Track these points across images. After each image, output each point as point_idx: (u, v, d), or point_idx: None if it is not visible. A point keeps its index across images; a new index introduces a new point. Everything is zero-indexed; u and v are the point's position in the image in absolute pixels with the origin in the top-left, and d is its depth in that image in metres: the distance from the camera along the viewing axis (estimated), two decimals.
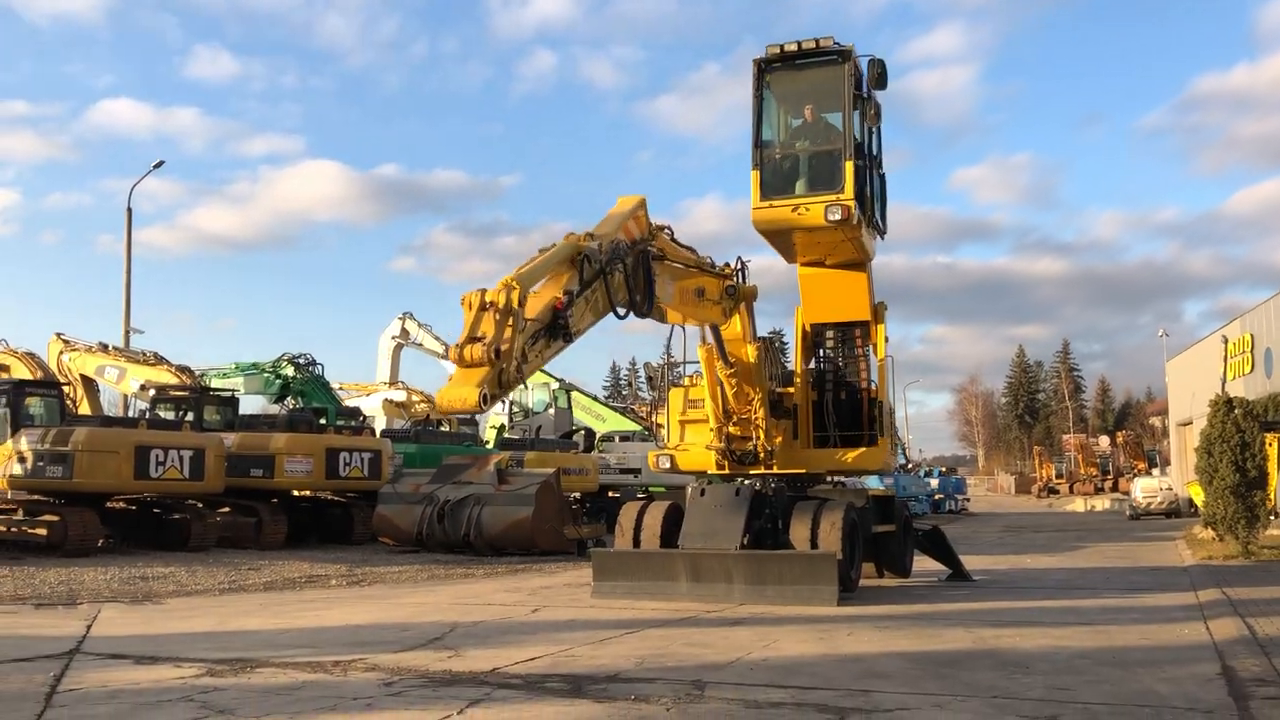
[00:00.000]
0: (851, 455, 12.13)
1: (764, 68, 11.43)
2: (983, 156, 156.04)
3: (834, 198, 10.91)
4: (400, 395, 30.45)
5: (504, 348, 7.85)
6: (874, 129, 11.69)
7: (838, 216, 10.80)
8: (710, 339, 11.63)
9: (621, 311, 9.60)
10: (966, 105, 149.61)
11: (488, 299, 7.95)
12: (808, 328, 12.95)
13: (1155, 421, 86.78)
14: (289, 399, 25.32)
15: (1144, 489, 38.70)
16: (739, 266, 11.78)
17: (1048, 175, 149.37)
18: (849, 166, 10.94)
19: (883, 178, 12.43)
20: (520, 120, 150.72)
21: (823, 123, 11.52)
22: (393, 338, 32.84)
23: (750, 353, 11.82)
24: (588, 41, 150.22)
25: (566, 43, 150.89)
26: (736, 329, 11.86)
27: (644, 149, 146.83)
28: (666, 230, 10.97)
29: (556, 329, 8.64)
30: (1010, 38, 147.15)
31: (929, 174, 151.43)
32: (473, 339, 7.91)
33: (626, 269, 9.62)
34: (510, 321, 7.94)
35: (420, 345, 32.85)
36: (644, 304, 9.85)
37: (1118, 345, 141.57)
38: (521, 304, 8.04)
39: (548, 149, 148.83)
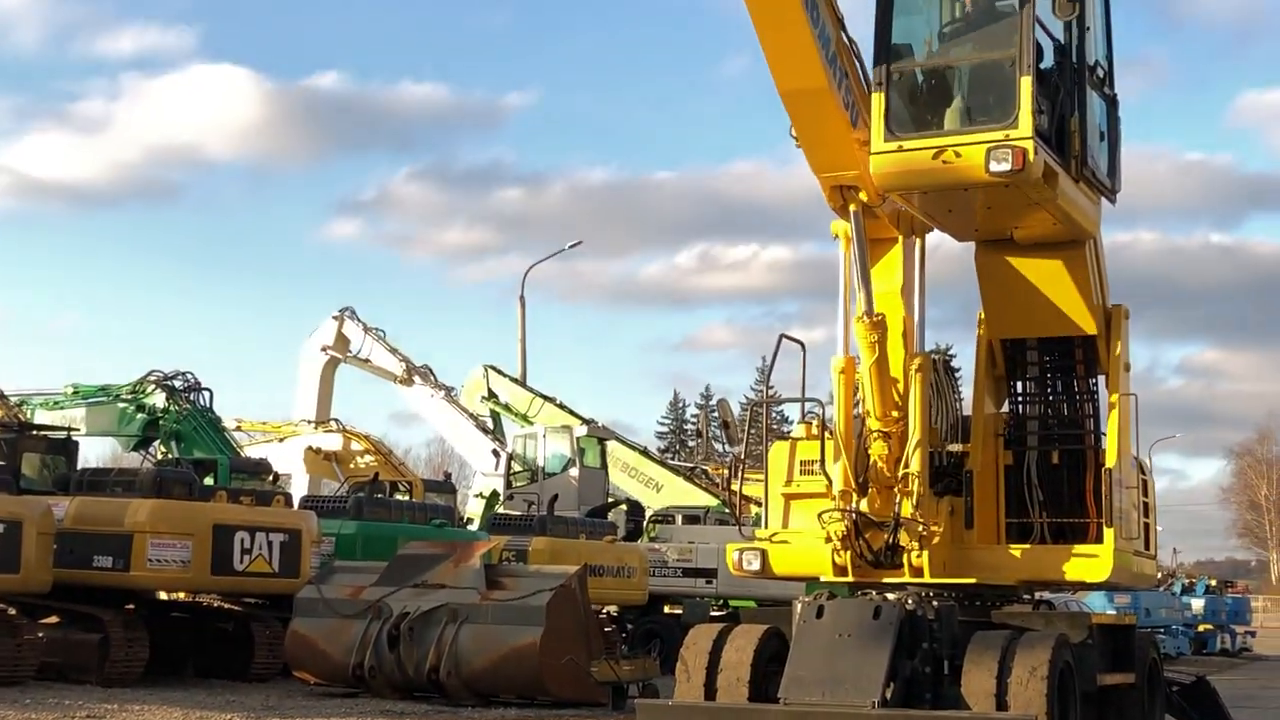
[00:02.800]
0: (1066, 558, 12.10)
1: None
2: None
3: (1001, 135, 11.02)
4: (333, 442, 30.63)
5: None
6: (1083, 25, 11.84)
7: (1006, 165, 10.91)
8: (854, 281, 11.82)
9: None
10: None
11: None
12: (995, 345, 12.95)
13: None
14: (156, 444, 25.59)
15: None
16: None
17: None
18: (1026, 84, 11.06)
19: (1110, 101, 12.52)
20: (538, 8, 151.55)
21: (990, 16, 11.73)
22: (323, 348, 33.11)
23: (901, 327, 11.98)
24: None
25: None
26: (893, 272, 12.10)
27: (736, 52, 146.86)
28: None
29: None
30: None
31: (1199, 101, 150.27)
32: None
33: None
34: None
35: (367, 362, 33.10)
36: None
37: None
38: None
39: (581, 52, 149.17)
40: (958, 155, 11.11)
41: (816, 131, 11.72)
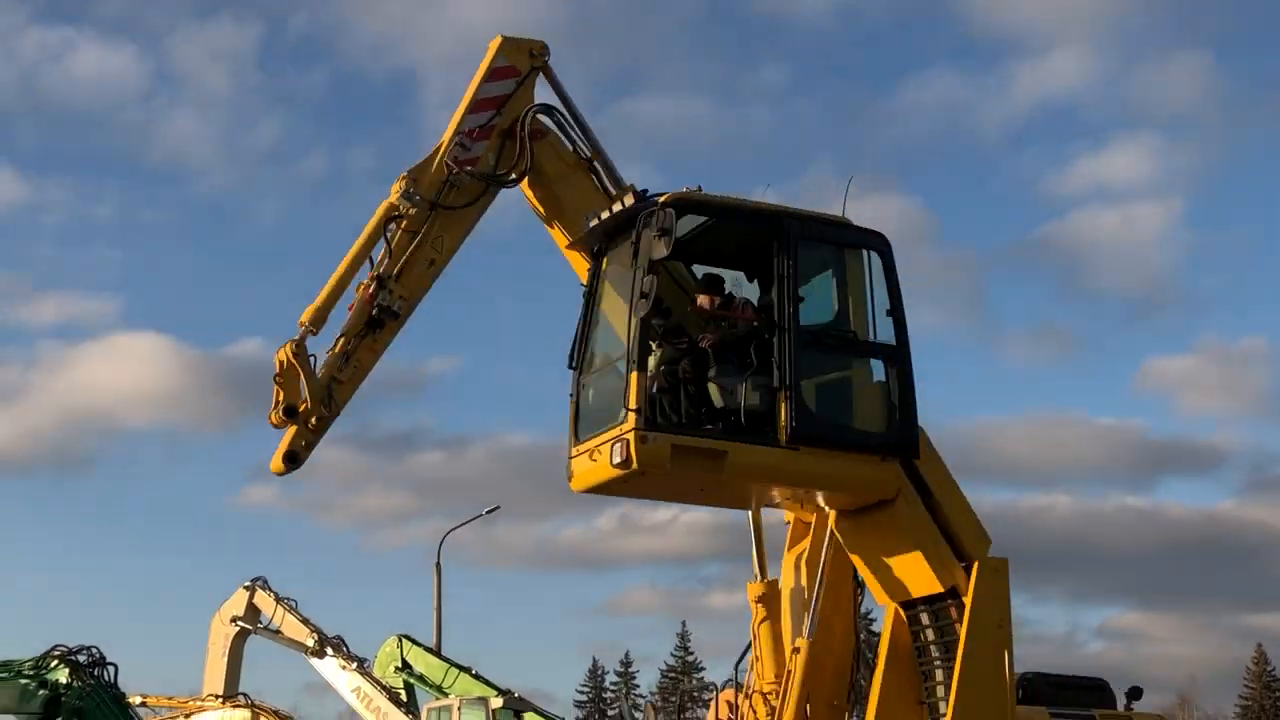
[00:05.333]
0: None
1: (597, 249, 12.99)
2: (1191, 341, 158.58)
3: (617, 431, 11.85)
4: (241, 717, 30.03)
5: (298, 403, 12.82)
6: (785, 293, 12.33)
7: (619, 458, 11.75)
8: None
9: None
10: (1163, 261, 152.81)
11: (276, 360, 12.75)
12: (897, 608, 13.04)
13: None
14: None
15: None
16: None
17: None
18: (634, 379, 11.78)
19: (888, 355, 12.72)
20: (467, 272, 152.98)
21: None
22: (233, 619, 32.60)
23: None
24: None
25: None
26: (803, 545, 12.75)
27: None
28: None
29: (375, 320, 13.26)
30: (1230, 158, 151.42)
31: (1108, 367, 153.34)
32: (276, 405, 12.85)
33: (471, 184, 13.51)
34: (301, 373, 12.80)
35: (278, 633, 32.60)
36: (517, 166, 13.63)
37: None
38: (299, 353, 12.82)
39: (507, 318, 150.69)
40: (598, 455, 11.99)
41: None
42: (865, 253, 12.76)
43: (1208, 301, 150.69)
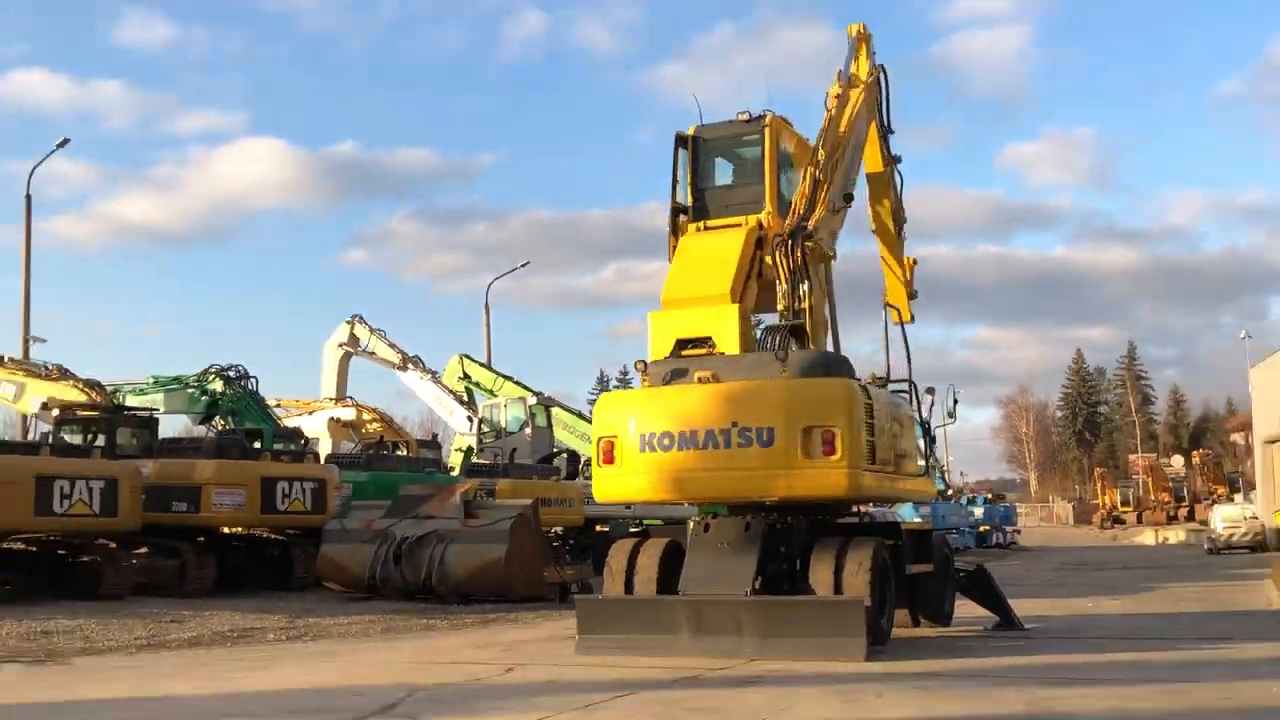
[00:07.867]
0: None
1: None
2: (1037, 131, 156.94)
3: None
4: (349, 413, 30.44)
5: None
6: None
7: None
8: None
9: None
10: (1018, 72, 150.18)
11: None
12: None
13: (1238, 438, 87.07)
14: (217, 419, 25.31)
15: (1225, 518, 38.88)
16: None
17: (1113, 152, 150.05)
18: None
19: None
20: (502, 92, 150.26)
21: None
22: (340, 345, 32.88)
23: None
24: (583, 1, 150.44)
25: (560, 2, 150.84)
26: None
27: (645, 124, 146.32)
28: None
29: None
30: None
31: (978, 150, 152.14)
32: None
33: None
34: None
35: (372, 354, 32.90)
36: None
37: (1194, 349, 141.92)
38: None
39: (533, 125, 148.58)
40: None
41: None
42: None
43: (1049, 102, 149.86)
